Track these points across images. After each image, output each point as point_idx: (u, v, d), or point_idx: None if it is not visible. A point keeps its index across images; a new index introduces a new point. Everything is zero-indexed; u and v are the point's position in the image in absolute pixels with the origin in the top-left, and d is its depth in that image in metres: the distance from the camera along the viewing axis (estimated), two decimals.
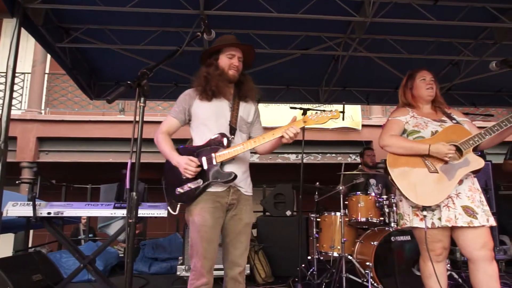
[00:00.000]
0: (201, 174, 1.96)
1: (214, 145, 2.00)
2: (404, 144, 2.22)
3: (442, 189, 2.10)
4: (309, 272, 3.66)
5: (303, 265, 3.63)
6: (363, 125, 7.19)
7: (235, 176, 1.95)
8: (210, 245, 1.95)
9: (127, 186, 1.33)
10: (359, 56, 4.31)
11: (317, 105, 5.42)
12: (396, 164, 2.22)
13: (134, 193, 1.33)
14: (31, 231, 5.37)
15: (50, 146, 6.89)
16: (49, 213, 2.87)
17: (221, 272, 2.07)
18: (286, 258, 4.09)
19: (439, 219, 2.12)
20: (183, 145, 2.13)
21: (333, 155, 7.33)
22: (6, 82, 3.71)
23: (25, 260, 3.38)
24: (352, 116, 7.03)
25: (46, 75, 7.44)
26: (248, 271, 3.76)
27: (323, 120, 1.92)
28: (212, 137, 2.01)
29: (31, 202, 2.85)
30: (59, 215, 2.88)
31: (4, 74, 3.63)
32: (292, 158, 7.23)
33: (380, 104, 6.45)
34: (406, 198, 2.17)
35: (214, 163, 1.95)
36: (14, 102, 7.25)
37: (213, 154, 1.97)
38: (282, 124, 6.79)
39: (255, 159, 6.69)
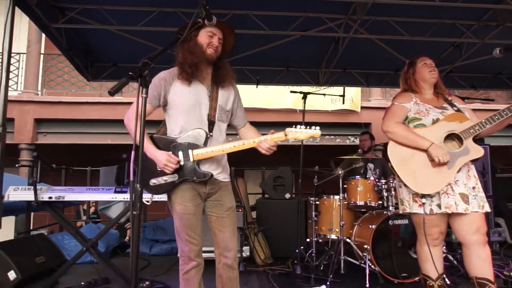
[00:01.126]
0: (178, 169, 1.93)
1: (193, 141, 1.96)
2: (408, 135, 2.22)
3: (442, 177, 2.12)
4: (307, 254, 3.73)
5: (302, 247, 3.69)
6: (362, 107, 7.16)
7: (211, 176, 1.95)
8: (193, 231, 1.97)
9: (131, 178, 1.32)
10: (360, 38, 4.25)
11: (317, 87, 5.39)
12: (396, 151, 2.23)
13: (138, 185, 1.33)
14: (32, 213, 5.40)
15: (48, 128, 6.86)
16: (50, 197, 2.88)
17: (212, 254, 2.09)
18: (285, 240, 4.15)
19: (438, 205, 2.15)
20: (155, 132, 2.07)
21: (332, 137, 7.33)
22: (1, 65, 3.66)
23: (28, 243, 3.42)
24: (352, 97, 6.99)
25: (41, 56, 7.31)
26: (248, 253, 3.84)
27: (304, 136, 1.92)
28: (189, 132, 1.96)
29: (32, 187, 2.85)
30: (60, 199, 2.90)
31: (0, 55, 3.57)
32: (291, 139, 7.22)
33: (380, 87, 6.40)
34: (405, 185, 2.20)
35: (191, 160, 1.93)
36: (10, 83, 7.16)
37: (190, 151, 1.93)
38: (282, 106, 6.75)
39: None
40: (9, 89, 7.36)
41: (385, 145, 2.32)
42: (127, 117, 1.95)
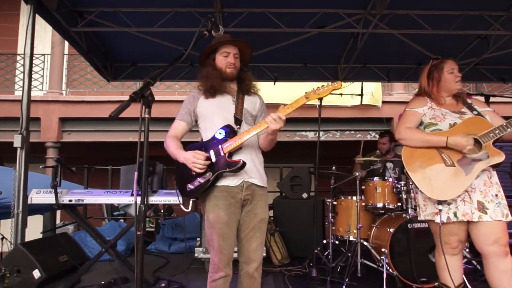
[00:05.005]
0: (210, 167, 1.96)
1: (223, 136, 2.00)
2: (420, 137, 2.14)
3: (459, 183, 2.03)
4: (324, 255, 3.69)
5: (318, 249, 3.66)
6: (383, 102, 6.98)
7: (244, 163, 1.93)
8: (225, 241, 1.97)
9: (134, 198, 1.33)
10: (380, 33, 4.11)
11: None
12: (412, 158, 2.15)
13: (142, 206, 1.34)
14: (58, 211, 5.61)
15: (72, 126, 7.09)
16: (70, 200, 2.97)
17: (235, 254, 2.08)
18: (302, 240, 4.13)
19: (455, 214, 2.07)
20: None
21: (352, 132, 7.20)
22: (24, 70, 3.77)
23: (52, 242, 3.55)
24: (372, 92, 6.81)
25: (65, 56, 7.51)
26: (264, 254, 3.84)
27: (325, 93, 1.89)
28: (217, 130, 2.02)
29: (53, 190, 2.94)
30: (80, 202, 2.98)
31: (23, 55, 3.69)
32: (310, 135, 7.16)
33: (402, 81, 6.21)
34: (421, 191, 2.12)
35: (222, 154, 1.95)
36: (36, 83, 7.43)
37: (220, 146, 1.96)
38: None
39: None
40: (35, 89, 7.70)
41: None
42: (165, 143, 2.07)
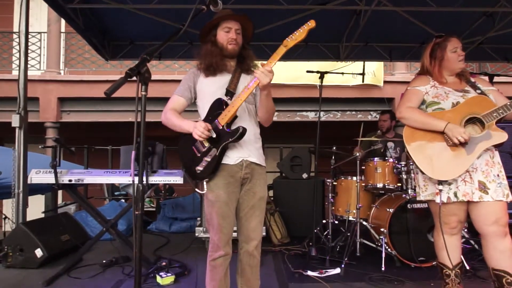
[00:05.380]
0: (213, 143, 1.94)
1: (214, 111, 1.97)
2: (420, 118, 2.11)
3: (460, 163, 2.01)
4: (323, 236, 3.73)
5: (318, 228, 3.68)
6: (385, 82, 6.89)
7: (244, 129, 1.91)
8: (225, 220, 1.98)
9: (132, 178, 1.32)
10: (383, 10, 4.01)
11: (337, 61, 5.20)
12: (413, 137, 2.12)
13: (140, 185, 1.32)
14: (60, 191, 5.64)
15: (71, 106, 7.04)
16: (70, 180, 2.97)
17: (235, 234, 2.09)
18: (302, 220, 4.15)
19: (455, 193, 2.06)
20: None
21: (353, 112, 7.15)
22: (20, 49, 3.71)
23: (53, 221, 3.58)
24: (374, 72, 6.72)
25: (62, 34, 7.37)
26: (264, 233, 3.87)
27: (301, 35, 1.87)
28: (209, 107, 2.00)
29: (53, 170, 2.94)
30: (80, 182, 2.98)
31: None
32: (311, 116, 7.11)
33: (404, 61, 6.11)
34: (422, 171, 2.11)
35: (220, 127, 1.93)
36: (33, 62, 7.33)
37: (216, 120, 1.94)
38: (301, 81, 6.59)
39: (274, 118, 6.64)
40: (33, 68, 7.58)
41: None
42: (163, 116, 2.03)
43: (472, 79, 2.20)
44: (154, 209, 6.85)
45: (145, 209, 7.38)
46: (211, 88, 2.03)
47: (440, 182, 2.06)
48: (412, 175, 3.24)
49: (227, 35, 2.02)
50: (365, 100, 7.03)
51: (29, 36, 7.35)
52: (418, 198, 2.28)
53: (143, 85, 1.34)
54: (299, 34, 1.87)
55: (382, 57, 5.33)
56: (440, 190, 2.06)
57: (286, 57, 5.51)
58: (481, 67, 7.71)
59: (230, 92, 2.00)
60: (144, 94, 1.36)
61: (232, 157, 1.98)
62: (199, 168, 1.97)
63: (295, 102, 6.99)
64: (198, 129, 1.87)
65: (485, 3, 4.00)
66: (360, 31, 4.54)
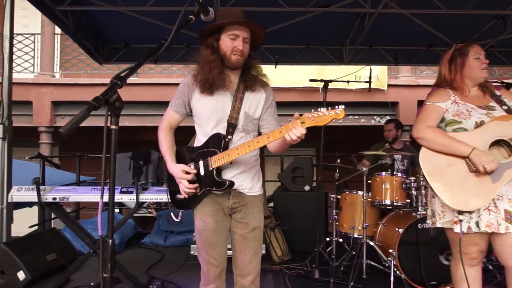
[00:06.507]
0: (200, 180, 1.77)
1: (212, 146, 1.76)
2: (443, 141, 1.87)
3: (484, 192, 1.79)
4: (326, 253, 3.50)
5: (321, 246, 3.46)
6: (389, 85, 6.66)
7: (231, 183, 1.74)
8: (214, 250, 1.80)
9: (100, 233, 1.10)
10: (389, 12, 3.79)
11: (340, 65, 5.00)
12: (430, 159, 1.90)
13: (110, 241, 1.09)
14: None
15: (66, 110, 6.81)
16: (54, 198, 2.75)
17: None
18: (304, 235, 3.94)
19: (477, 223, 1.84)
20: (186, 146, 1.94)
21: (356, 117, 6.92)
22: (3, 53, 3.48)
23: (39, 239, 3.35)
24: (377, 75, 6.48)
25: (56, 36, 7.14)
26: (264, 251, 3.65)
27: (324, 121, 1.50)
28: (209, 138, 1.80)
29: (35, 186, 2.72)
30: (65, 200, 2.76)
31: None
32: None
33: (410, 65, 5.90)
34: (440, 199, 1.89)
35: (210, 169, 1.74)
36: (26, 65, 7.11)
37: (209, 159, 1.74)
38: (303, 84, 6.33)
39: None
40: (26, 71, 7.32)
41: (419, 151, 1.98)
42: (159, 131, 1.88)
43: (497, 92, 1.97)
44: (152, 215, 6.68)
45: (142, 214, 7.22)
46: (205, 111, 1.79)
47: (461, 212, 1.84)
48: (423, 191, 3.02)
49: (233, 43, 1.71)
50: (368, 104, 6.80)
51: (22, 38, 7.17)
52: (433, 225, 2.06)
53: (114, 117, 1.10)
54: (322, 120, 1.51)
55: (387, 61, 5.14)
56: (460, 220, 1.84)
57: (287, 61, 5.32)
58: (489, 72, 7.48)
59: (232, 126, 1.76)
60: (115, 128, 1.11)
61: None
62: (179, 196, 1.81)
63: (297, 106, 6.74)
64: (184, 186, 1.73)
65: (496, 6, 3.80)
66: (364, 34, 4.33)
